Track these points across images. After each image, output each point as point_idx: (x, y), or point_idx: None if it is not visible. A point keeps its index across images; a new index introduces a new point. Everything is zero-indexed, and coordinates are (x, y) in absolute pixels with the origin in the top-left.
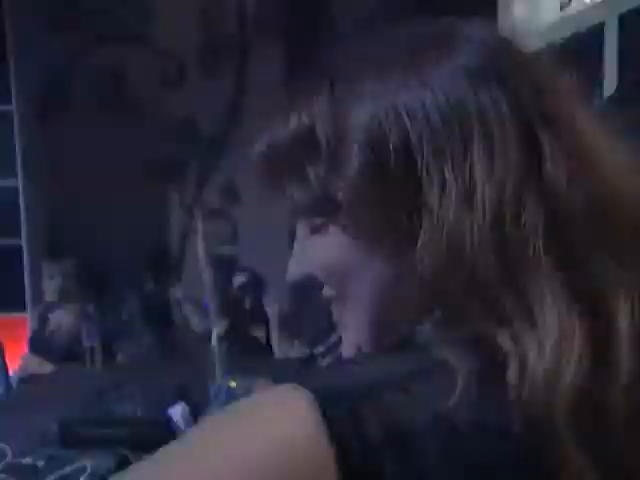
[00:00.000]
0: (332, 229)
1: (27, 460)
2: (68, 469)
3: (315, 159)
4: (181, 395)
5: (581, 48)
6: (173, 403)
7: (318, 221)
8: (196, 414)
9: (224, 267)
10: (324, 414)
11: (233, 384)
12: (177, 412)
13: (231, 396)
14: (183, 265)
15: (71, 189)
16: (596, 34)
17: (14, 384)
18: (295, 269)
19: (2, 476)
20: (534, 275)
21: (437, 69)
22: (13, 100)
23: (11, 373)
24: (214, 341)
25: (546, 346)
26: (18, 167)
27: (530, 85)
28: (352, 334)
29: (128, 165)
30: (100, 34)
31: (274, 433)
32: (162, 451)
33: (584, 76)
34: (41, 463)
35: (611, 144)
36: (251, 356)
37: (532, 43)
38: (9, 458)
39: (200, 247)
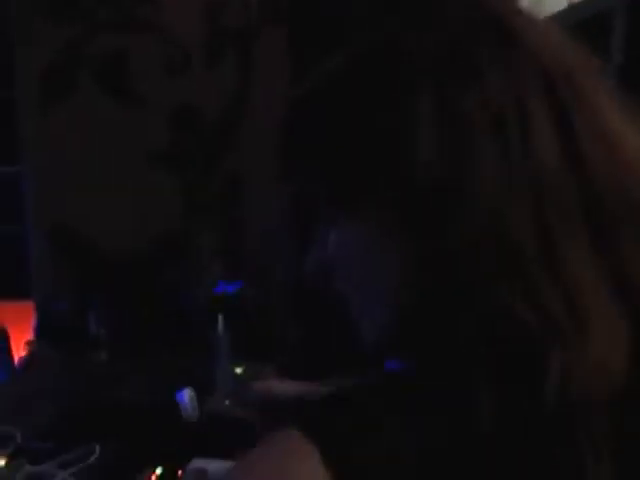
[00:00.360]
0: (358, 217)
1: (37, 443)
2: (77, 452)
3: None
4: (188, 381)
5: (588, 36)
6: (180, 389)
7: (343, 209)
8: (202, 400)
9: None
10: (330, 466)
11: (239, 370)
12: (184, 398)
13: (237, 382)
14: (187, 253)
15: (75, 176)
16: (604, 22)
17: (21, 370)
18: (314, 259)
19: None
20: (573, 256)
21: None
22: (16, 86)
23: (17, 359)
24: (220, 328)
25: (591, 336)
26: (22, 154)
27: (561, 66)
28: (373, 321)
29: (131, 153)
30: (104, 21)
31: None
32: None
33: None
34: (50, 446)
35: (631, 127)
36: (257, 342)
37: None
38: (19, 441)
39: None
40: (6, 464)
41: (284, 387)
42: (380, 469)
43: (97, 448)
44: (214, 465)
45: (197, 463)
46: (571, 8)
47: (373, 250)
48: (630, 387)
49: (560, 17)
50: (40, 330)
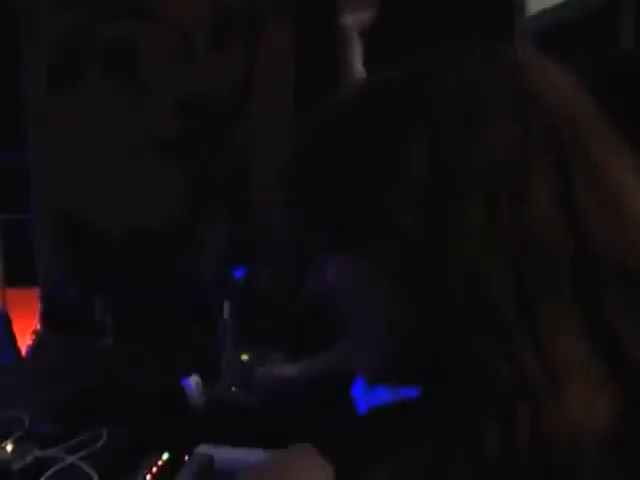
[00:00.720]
0: (350, 255)
1: (45, 427)
2: (85, 436)
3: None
4: (194, 368)
5: (597, 23)
6: (186, 375)
7: (340, 245)
8: (209, 386)
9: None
10: None
11: (245, 357)
12: (190, 383)
13: (243, 369)
14: (192, 240)
15: (80, 164)
16: (612, 9)
17: (27, 356)
18: (312, 284)
19: (22, 442)
20: (557, 316)
21: (488, 114)
22: (23, 74)
23: (23, 346)
24: (226, 314)
25: (568, 396)
26: (28, 141)
27: (568, 119)
28: (364, 360)
29: (137, 140)
30: (109, 8)
31: None
32: None
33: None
34: (58, 430)
35: (635, 176)
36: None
37: (549, 19)
38: (27, 425)
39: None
40: (14, 448)
41: (287, 371)
42: None
43: (105, 433)
44: (220, 451)
45: (203, 449)
46: None
47: (366, 285)
48: (610, 445)
49: (569, 4)
50: (45, 317)
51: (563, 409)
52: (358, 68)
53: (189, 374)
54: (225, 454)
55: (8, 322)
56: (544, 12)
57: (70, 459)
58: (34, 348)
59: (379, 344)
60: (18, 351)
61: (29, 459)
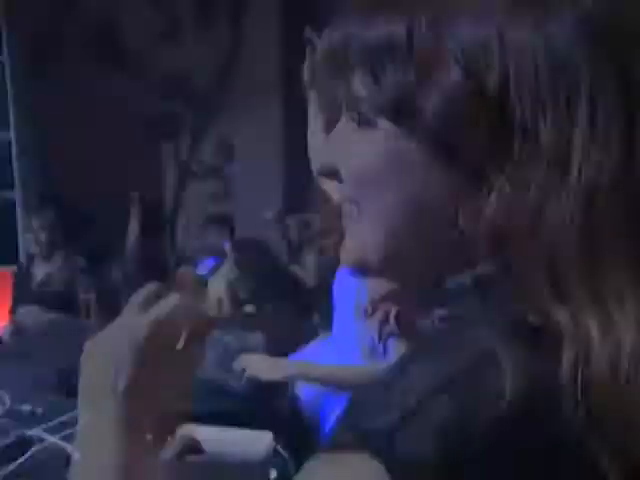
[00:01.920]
0: (384, 126)
1: (26, 407)
2: (67, 416)
3: (402, 64)
4: None
5: None
6: None
7: (372, 115)
8: None
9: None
10: None
11: (229, 337)
12: None
13: (227, 348)
14: (176, 218)
15: (65, 142)
16: None
17: (7, 335)
18: (326, 158)
19: (3, 421)
20: (615, 264)
21: (558, 20)
22: (5, 51)
23: (4, 324)
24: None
25: (615, 334)
26: (11, 120)
27: None
28: (359, 243)
29: (122, 117)
30: None
31: None
32: None
33: None
34: (40, 410)
35: None
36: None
37: None
38: (8, 405)
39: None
40: None
41: (261, 371)
42: None
43: None
44: (204, 432)
45: (186, 429)
46: None
47: (400, 166)
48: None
49: None
50: (19, 295)
51: (607, 339)
52: None
53: None
54: (209, 435)
55: None
56: None
57: (51, 439)
58: (14, 327)
59: (386, 230)
60: None
61: (10, 438)
